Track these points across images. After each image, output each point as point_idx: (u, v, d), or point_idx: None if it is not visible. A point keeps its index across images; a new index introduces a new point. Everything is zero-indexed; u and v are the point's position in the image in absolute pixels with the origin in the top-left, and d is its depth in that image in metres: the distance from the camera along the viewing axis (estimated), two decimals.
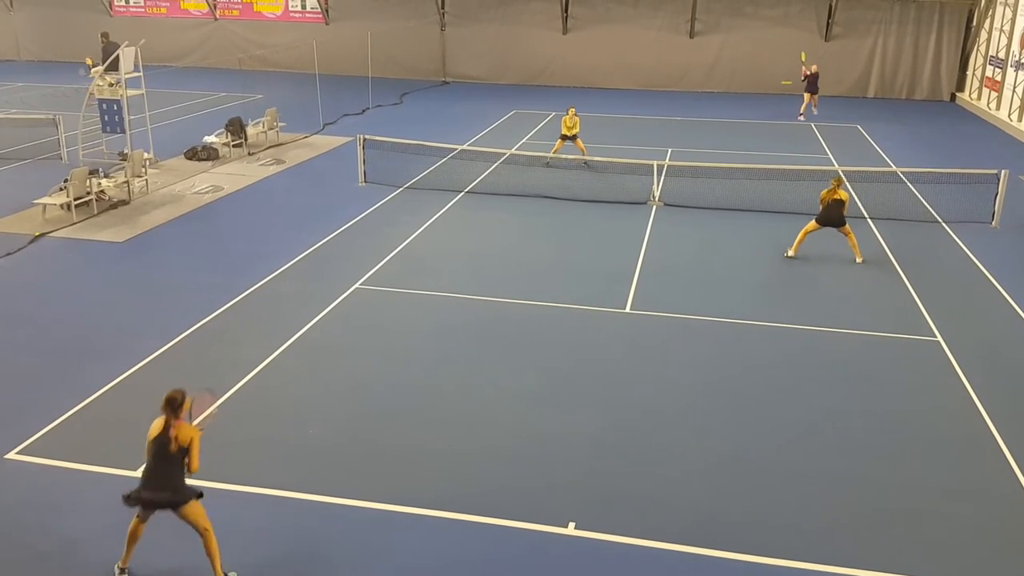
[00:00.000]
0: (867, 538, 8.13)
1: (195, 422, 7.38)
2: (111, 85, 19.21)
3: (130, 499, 7.21)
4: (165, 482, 7.14)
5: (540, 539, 8.06)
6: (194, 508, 7.22)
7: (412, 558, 7.78)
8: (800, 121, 29.25)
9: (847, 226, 15.44)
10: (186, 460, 7.11)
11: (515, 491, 8.74)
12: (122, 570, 7.48)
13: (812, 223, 15.49)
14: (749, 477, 9.06)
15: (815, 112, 29.38)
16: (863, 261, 15.46)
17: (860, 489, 8.88)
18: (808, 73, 28.94)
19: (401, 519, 8.29)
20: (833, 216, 15.27)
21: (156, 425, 7.13)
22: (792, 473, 9.14)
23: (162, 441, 7.07)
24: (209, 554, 7.30)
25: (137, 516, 7.34)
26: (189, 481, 7.26)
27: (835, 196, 15.12)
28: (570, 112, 21.98)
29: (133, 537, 7.38)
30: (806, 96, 29.38)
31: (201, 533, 7.26)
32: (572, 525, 8.22)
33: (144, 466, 7.23)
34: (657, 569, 7.71)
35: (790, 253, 15.68)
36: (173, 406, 7.10)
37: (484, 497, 8.62)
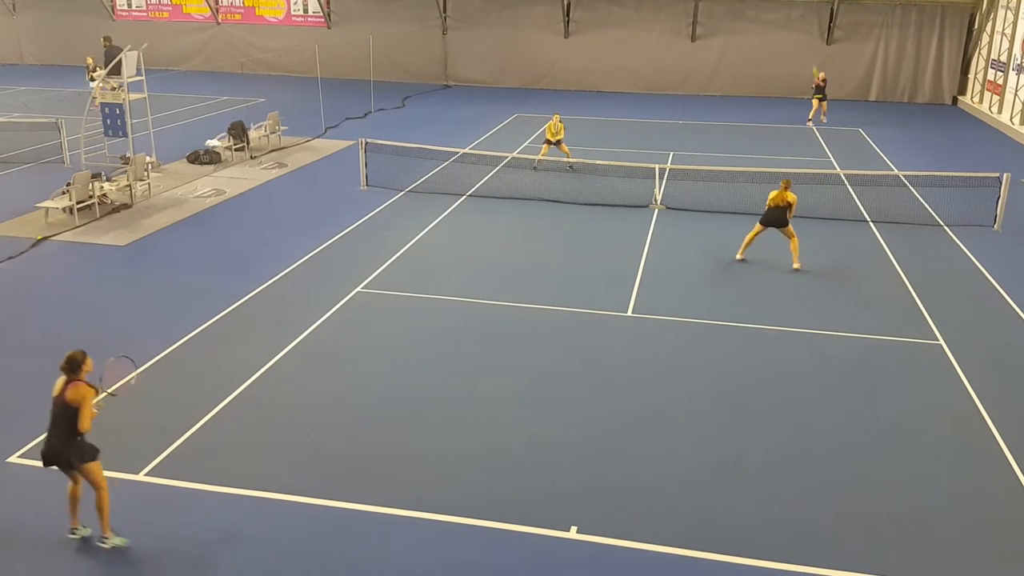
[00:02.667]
0: (870, 541, 8.11)
1: (110, 387, 7.73)
2: (113, 89, 19.25)
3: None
4: (58, 440, 7.51)
5: (542, 543, 8.04)
6: (91, 467, 7.60)
7: (412, 562, 7.76)
8: (808, 126, 29.24)
9: (790, 227, 15.23)
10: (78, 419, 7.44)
11: (517, 495, 8.73)
12: (72, 530, 7.91)
13: (757, 226, 15.46)
14: (752, 480, 9.05)
15: (824, 120, 29.36)
16: (799, 268, 15.16)
17: (863, 492, 8.87)
18: (817, 82, 29.15)
19: (402, 523, 8.29)
20: (776, 218, 15.14)
21: (57, 384, 7.50)
22: (795, 476, 9.13)
23: (57, 401, 7.46)
24: (99, 510, 7.71)
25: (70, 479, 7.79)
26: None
27: (786, 199, 15.03)
28: (555, 118, 22.13)
29: (72, 499, 7.84)
30: (815, 102, 29.41)
31: (96, 489, 7.68)
32: (574, 529, 8.21)
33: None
34: (659, 573, 7.69)
35: (739, 256, 15.67)
36: (72, 366, 7.47)
37: (485, 501, 8.61)
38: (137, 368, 7.70)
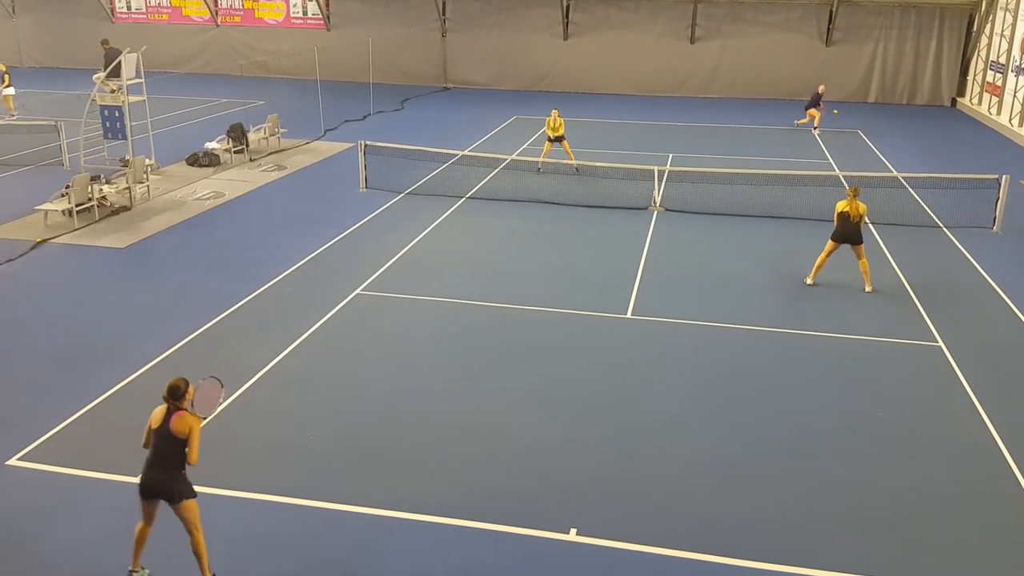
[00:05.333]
0: (870, 542, 8.11)
1: (205, 413, 7.27)
2: (113, 92, 19.26)
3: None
4: (162, 472, 7.14)
5: (542, 545, 8.04)
6: (189, 506, 7.22)
7: (413, 564, 7.76)
8: (816, 134, 28.67)
9: (862, 245, 14.16)
10: (186, 451, 7.10)
11: (516, 496, 8.73)
12: (132, 572, 7.46)
13: (830, 243, 14.22)
14: (751, 482, 9.05)
15: (816, 133, 29.10)
16: (873, 290, 14.28)
17: (862, 494, 8.87)
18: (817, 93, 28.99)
19: (401, 525, 8.28)
20: (851, 232, 13.92)
21: (157, 414, 7.15)
22: (795, 478, 9.13)
23: (161, 432, 7.09)
24: (197, 555, 7.32)
25: (142, 518, 7.33)
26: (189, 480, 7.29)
27: (860, 211, 13.79)
28: (553, 114, 22.13)
29: (139, 540, 7.40)
30: (813, 112, 28.86)
31: (192, 531, 7.28)
32: (574, 531, 8.21)
33: (147, 456, 7.21)
34: (659, 574, 7.69)
35: (808, 280, 14.55)
36: (175, 395, 7.11)
37: (485, 503, 8.61)
38: (222, 389, 7.44)
